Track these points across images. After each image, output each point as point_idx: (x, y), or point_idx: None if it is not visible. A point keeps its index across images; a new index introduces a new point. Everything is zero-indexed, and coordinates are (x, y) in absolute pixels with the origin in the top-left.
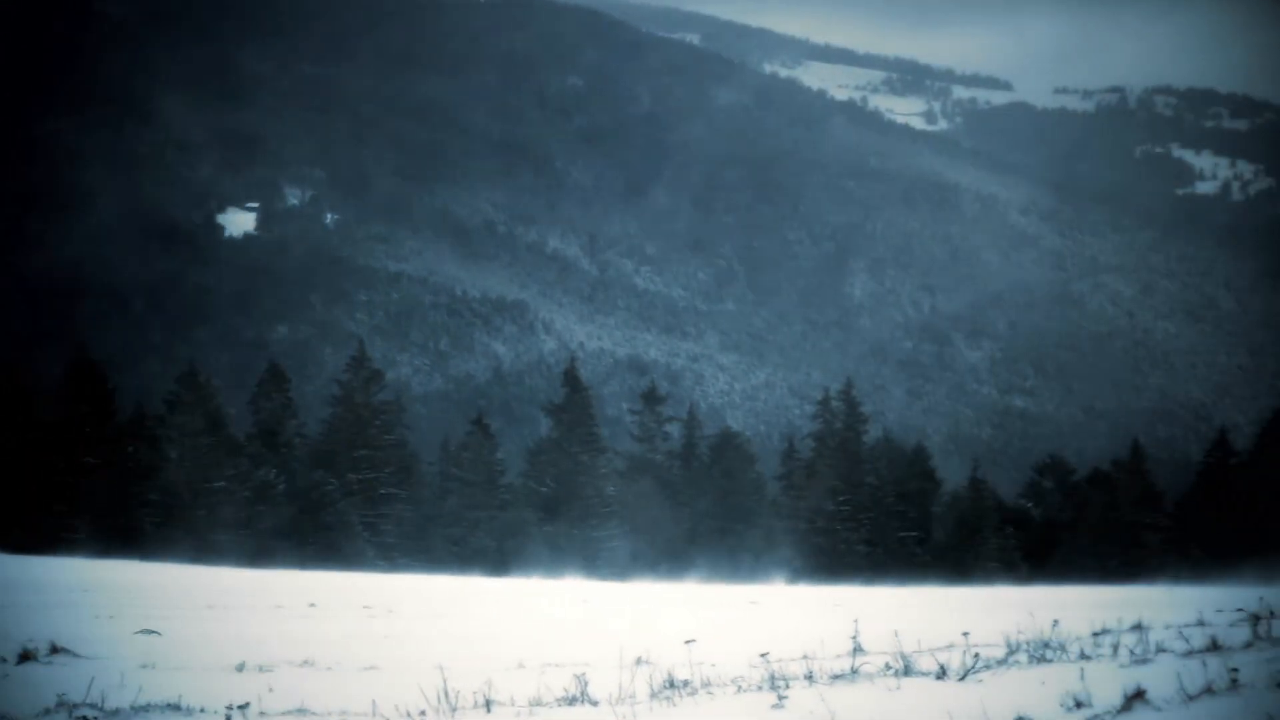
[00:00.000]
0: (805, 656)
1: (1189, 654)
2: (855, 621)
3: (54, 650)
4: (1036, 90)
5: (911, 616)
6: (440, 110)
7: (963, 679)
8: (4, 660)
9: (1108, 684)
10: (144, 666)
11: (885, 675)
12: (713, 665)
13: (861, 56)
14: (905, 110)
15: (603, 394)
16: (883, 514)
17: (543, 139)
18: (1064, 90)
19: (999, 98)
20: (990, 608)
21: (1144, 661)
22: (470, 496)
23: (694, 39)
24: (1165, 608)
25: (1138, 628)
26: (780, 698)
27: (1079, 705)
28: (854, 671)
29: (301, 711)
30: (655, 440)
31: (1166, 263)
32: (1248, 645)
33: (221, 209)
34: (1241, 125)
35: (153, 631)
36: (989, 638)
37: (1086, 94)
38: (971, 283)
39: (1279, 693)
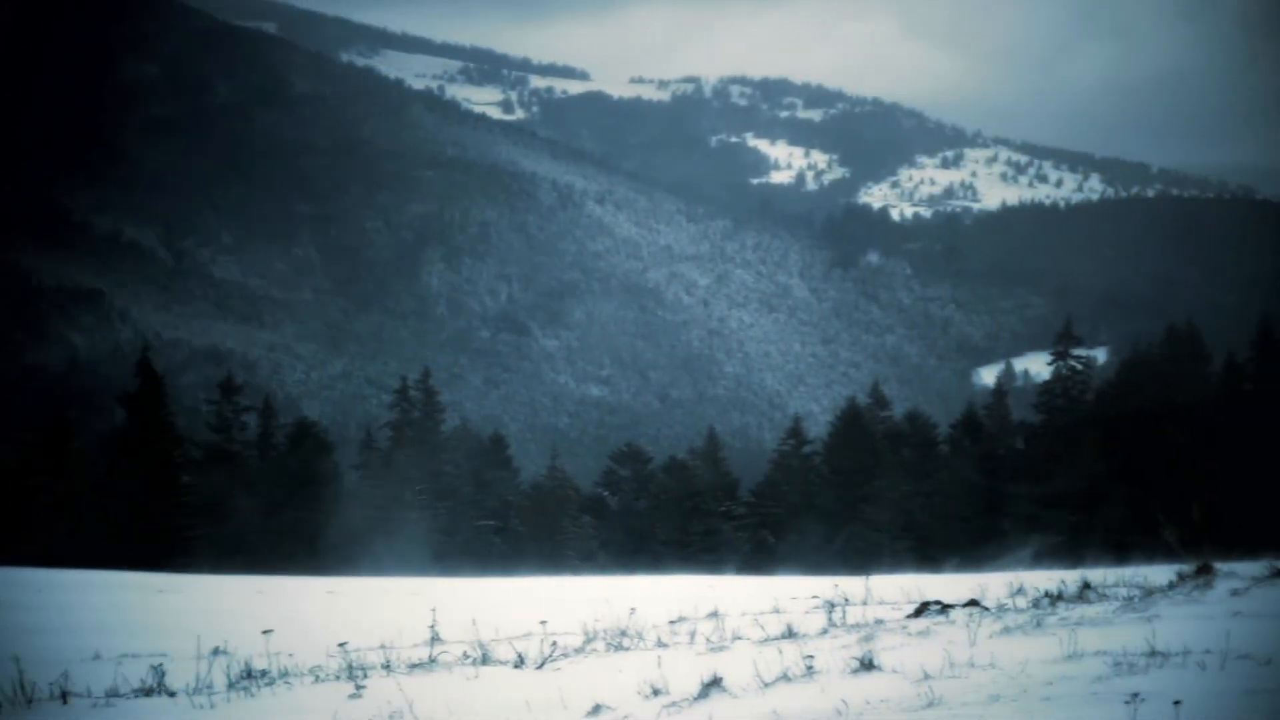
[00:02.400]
0: (383, 646)
1: (765, 641)
2: (433, 611)
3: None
4: (613, 80)
5: (490, 606)
6: (12, 97)
7: (540, 667)
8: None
9: (685, 672)
10: None
11: (463, 664)
12: (290, 655)
13: (439, 46)
14: (482, 100)
15: (179, 384)
16: (461, 503)
17: (118, 128)
18: (640, 80)
19: (575, 87)
20: (568, 597)
21: (721, 649)
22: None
23: (270, 28)
24: (742, 595)
25: (714, 615)
26: (358, 687)
27: (656, 693)
28: (432, 661)
29: None
30: (232, 430)
31: (741, 252)
32: (823, 632)
33: None
34: (815, 115)
35: None
36: (567, 626)
37: (662, 84)
38: (548, 272)
39: (854, 680)
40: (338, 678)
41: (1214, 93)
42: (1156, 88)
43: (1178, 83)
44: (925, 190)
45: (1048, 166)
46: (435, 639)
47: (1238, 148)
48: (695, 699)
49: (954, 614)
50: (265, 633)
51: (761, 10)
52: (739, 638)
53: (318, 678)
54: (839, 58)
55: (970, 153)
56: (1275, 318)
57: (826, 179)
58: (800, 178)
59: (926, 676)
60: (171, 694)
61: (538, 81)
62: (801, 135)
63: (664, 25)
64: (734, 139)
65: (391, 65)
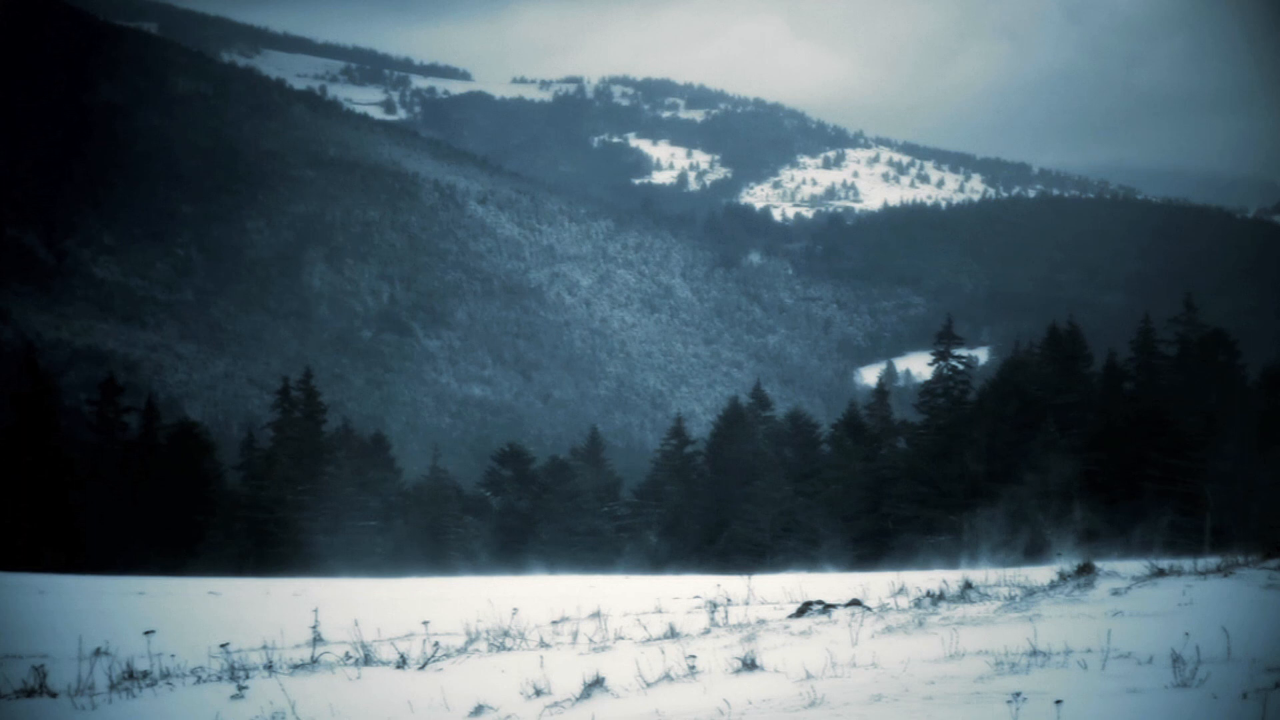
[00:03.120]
0: (266, 647)
1: (648, 641)
2: (315, 611)
3: None
4: (495, 80)
5: (372, 606)
6: None
7: (423, 668)
8: None
9: (568, 672)
10: None
11: (346, 665)
12: (172, 656)
13: (320, 46)
14: (364, 100)
15: (61, 384)
16: (342, 504)
17: None
18: (522, 80)
19: (457, 87)
20: (450, 597)
21: (604, 649)
22: None
23: (152, 27)
24: (625, 595)
25: (597, 615)
26: (240, 688)
27: (539, 693)
28: (314, 661)
29: None
30: (114, 431)
31: (623, 252)
32: (705, 632)
33: None
34: (697, 116)
35: None
36: (449, 627)
37: (544, 84)
38: (430, 272)
39: (736, 680)
40: (220, 678)
41: (1098, 94)
42: (1041, 89)
43: (1063, 84)
44: (807, 190)
45: (929, 167)
46: (317, 639)
47: (1119, 148)
48: (578, 699)
49: (836, 614)
50: (147, 634)
51: (649, 11)
52: (621, 638)
53: (200, 678)
54: (726, 59)
55: (852, 153)
56: (1156, 317)
57: (708, 179)
58: (682, 178)
59: (809, 676)
60: (53, 695)
61: (419, 82)
62: (683, 135)
63: (547, 26)
64: (616, 139)
65: (273, 65)
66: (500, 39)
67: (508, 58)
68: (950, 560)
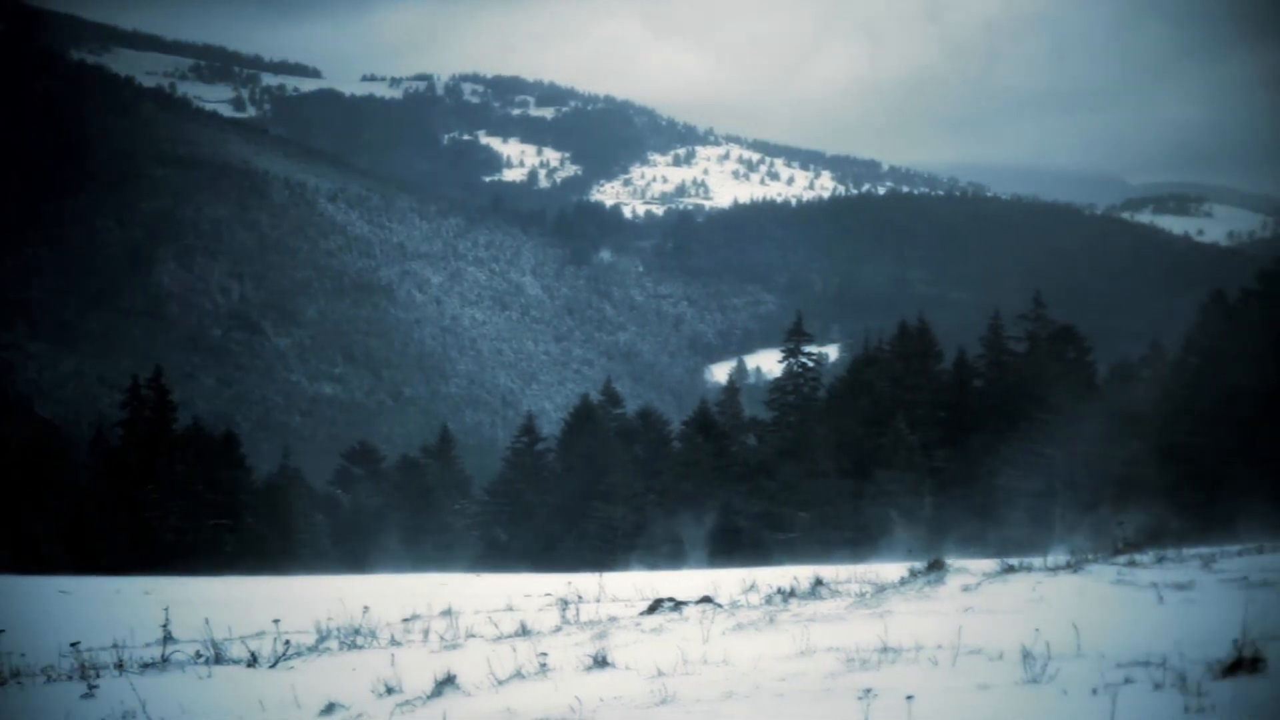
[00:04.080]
0: (116, 646)
1: (499, 639)
2: (166, 610)
3: None
4: (345, 78)
5: (223, 604)
6: None
7: (274, 666)
8: None
9: (419, 670)
10: None
11: (196, 664)
12: (22, 656)
13: (169, 43)
14: (214, 97)
15: None
16: (193, 502)
17: None
18: (372, 78)
19: (307, 85)
20: (301, 595)
21: (455, 647)
22: None
23: None
24: (476, 593)
25: (448, 613)
26: (91, 687)
27: (390, 691)
28: (165, 660)
29: None
30: None
31: (474, 250)
32: (557, 630)
33: None
34: (548, 113)
35: None
36: (300, 625)
37: (395, 81)
38: (280, 270)
39: (588, 677)
40: (70, 678)
41: (955, 92)
42: (898, 87)
43: (920, 82)
44: (657, 188)
45: (779, 164)
46: (168, 638)
47: (973, 146)
48: (429, 697)
49: (687, 611)
50: None
51: (508, 11)
52: (473, 635)
53: (49, 678)
54: (583, 58)
55: (702, 150)
56: (1005, 314)
57: (559, 176)
58: (532, 175)
59: (660, 673)
60: None
61: (269, 79)
62: (534, 133)
63: (401, 25)
64: (466, 137)
65: (122, 63)
66: (352, 37)
67: (360, 56)
68: (801, 557)
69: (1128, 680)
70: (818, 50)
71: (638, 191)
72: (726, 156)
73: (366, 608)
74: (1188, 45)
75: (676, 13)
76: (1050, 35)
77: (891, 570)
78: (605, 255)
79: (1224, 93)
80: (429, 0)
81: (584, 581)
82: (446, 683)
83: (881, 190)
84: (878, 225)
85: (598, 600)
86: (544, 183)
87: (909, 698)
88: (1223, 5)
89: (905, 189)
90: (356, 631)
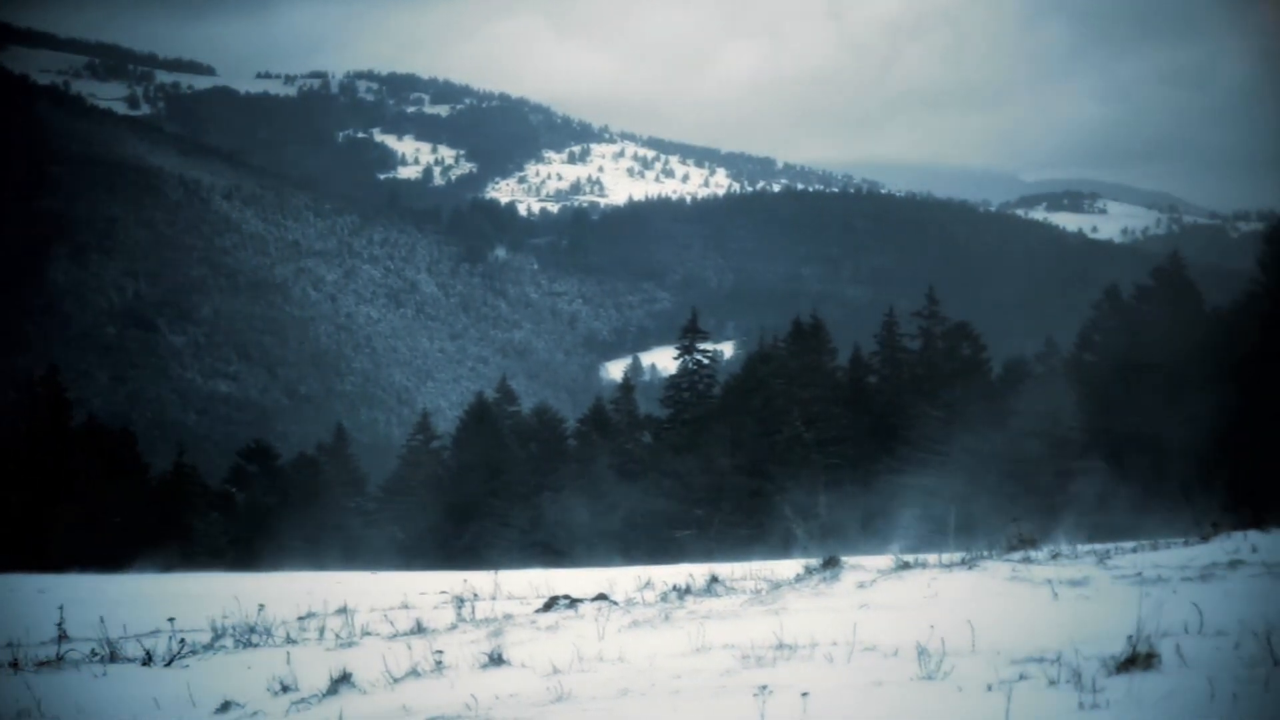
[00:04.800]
0: (10, 644)
1: (395, 637)
2: (60, 608)
3: None
4: (239, 75)
5: (118, 603)
6: None
7: (169, 665)
8: None
9: (315, 667)
10: None
11: (91, 662)
12: None
13: (63, 41)
14: (108, 95)
15: None
16: (89, 500)
17: None
18: (267, 75)
19: (201, 82)
20: (196, 593)
21: (350, 645)
22: None
23: None
24: (371, 591)
25: (343, 611)
26: None
27: (286, 689)
28: (59, 659)
29: None
30: None
31: (369, 247)
32: (452, 628)
33: None
34: (442, 110)
35: None
36: (196, 623)
37: (289, 79)
38: (175, 268)
39: (483, 675)
40: None
41: (855, 91)
42: (798, 86)
43: (820, 81)
44: (552, 185)
45: (674, 161)
46: (63, 637)
47: (871, 144)
48: (325, 695)
49: (583, 608)
50: None
51: (410, 9)
52: (368, 633)
53: None
54: (483, 56)
55: (597, 148)
56: (900, 310)
57: (454, 174)
58: (428, 173)
59: (555, 671)
60: None
61: (164, 77)
62: (429, 130)
63: (295, 22)
64: (361, 134)
65: (15, 61)
66: (247, 35)
67: (255, 53)
68: (697, 554)
69: (1022, 677)
70: (721, 49)
71: (533, 189)
72: (622, 154)
73: (262, 606)
74: (1088, 43)
75: (581, 12)
76: (951, 34)
77: (787, 567)
78: (500, 253)
79: (1122, 90)
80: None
81: (479, 579)
82: (342, 680)
83: (776, 188)
84: (772, 223)
85: (493, 598)
86: (439, 180)
87: (804, 694)
88: (1123, 3)
89: (800, 186)
90: (252, 629)
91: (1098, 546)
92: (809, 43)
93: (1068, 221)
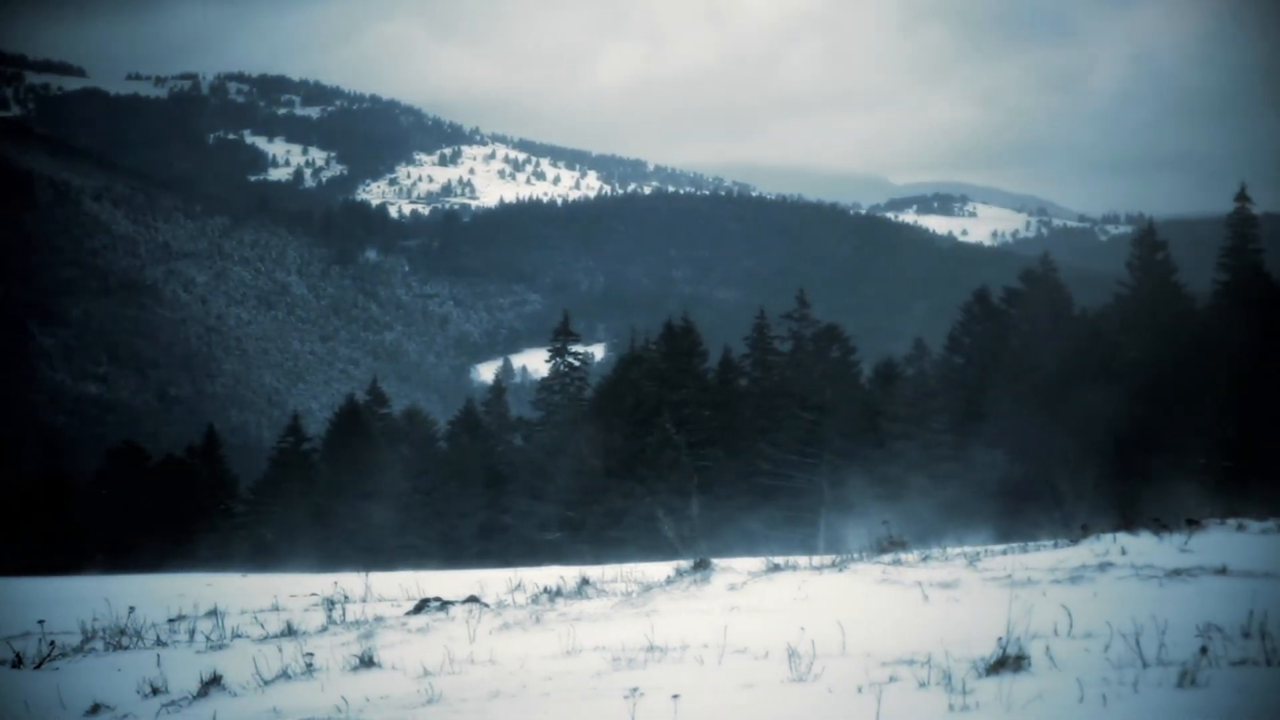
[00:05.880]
0: None
1: (265, 639)
2: None
3: None
4: (110, 77)
5: None
6: None
7: (39, 667)
8: None
9: (185, 670)
10: None
11: None
12: None
13: None
14: None
15: None
16: None
17: None
18: (137, 77)
19: (72, 84)
20: (66, 596)
21: (221, 647)
22: None
23: None
24: (242, 593)
25: (214, 614)
26: None
27: (156, 692)
28: None
29: None
30: None
31: (240, 249)
32: (323, 630)
33: None
34: (313, 112)
35: None
36: (66, 626)
37: (160, 80)
38: (45, 269)
39: (354, 677)
40: None
41: (732, 94)
42: (675, 89)
43: (697, 84)
44: (423, 187)
45: (545, 164)
46: None
47: (741, 147)
48: (195, 697)
49: (454, 610)
50: None
51: (291, 12)
52: (239, 636)
53: None
54: (360, 59)
55: (468, 150)
56: (770, 313)
57: (324, 176)
58: (299, 175)
59: (426, 673)
60: None
61: (33, 78)
62: (300, 132)
63: (170, 24)
64: (232, 136)
65: None
66: (118, 37)
67: (127, 55)
68: (569, 556)
69: (893, 679)
70: (602, 52)
71: (404, 191)
72: (493, 156)
73: (132, 608)
74: (965, 48)
75: (461, 16)
76: (830, 39)
77: (658, 569)
78: (371, 255)
79: (996, 94)
80: (208, 2)
81: (351, 581)
82: (213, 683)
83: (648, 190)
84: (643, 225)
85: (364, 600)
86: (310, 182)
87: (675, 697)
88: (1001, 8)
89: (671, 189)
90: (122, 632)
91: (968, 549)
92: (689, 46)
93: (938, 225)
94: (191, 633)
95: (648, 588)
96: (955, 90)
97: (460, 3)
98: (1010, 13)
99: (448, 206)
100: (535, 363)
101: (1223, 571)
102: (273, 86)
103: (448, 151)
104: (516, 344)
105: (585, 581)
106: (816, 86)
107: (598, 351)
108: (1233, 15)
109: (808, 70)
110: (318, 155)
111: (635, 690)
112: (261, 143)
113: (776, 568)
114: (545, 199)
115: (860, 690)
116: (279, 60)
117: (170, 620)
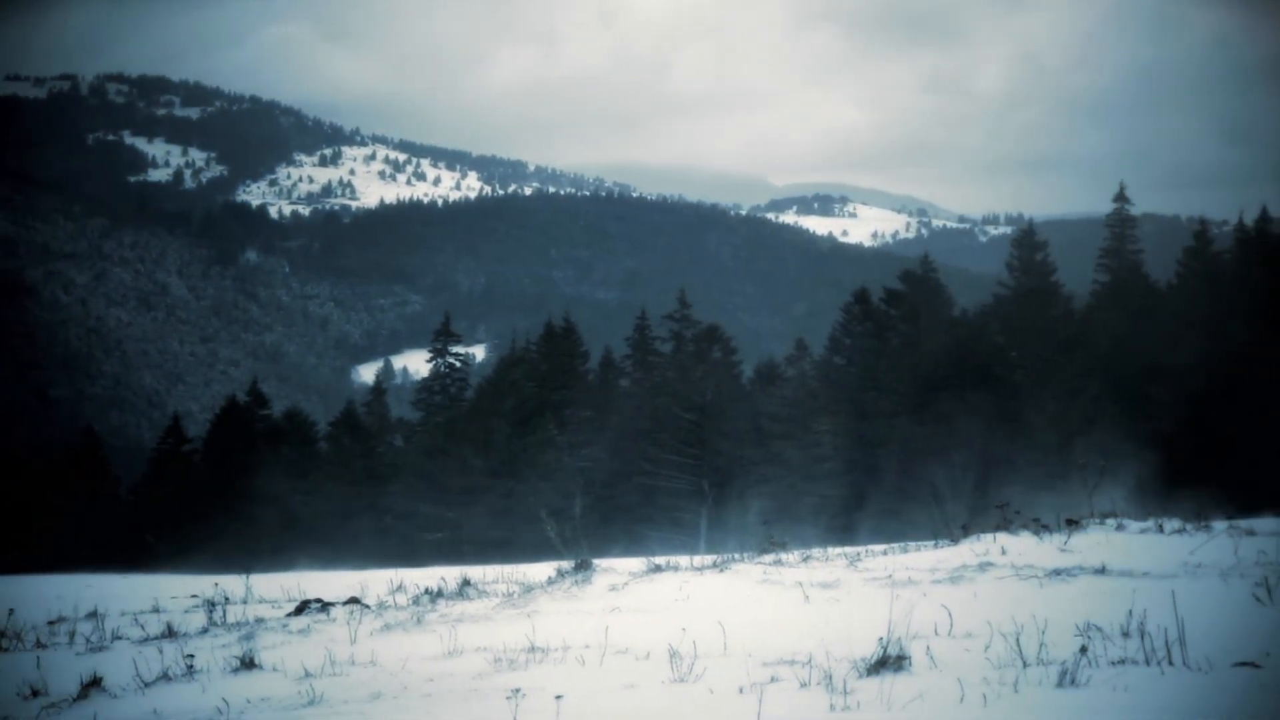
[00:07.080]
0: None
1: (146, 641)
2: None
3: None
4: None
5: None
6: None
7: None
8: None
9: (65, 672)
10: None
11: None
12: None
13: None
14: None
15: None
16: None
17: None
18: (16, 77)
19: None
20: None
21: (101, 649)
22: None
23: None
24: (122, 594)
25: (94, 615)
26: None
27: (36, 694)
28: None
29: None
30: None
31: (120, 250)
32: (204, 631)
33: None
34: (193, 113)
35: None
36: None
37: (38, 81)
38: None
39: (235, 679)
40: None
41: (620, 96)
42: (562, 91)
43: (586, 86)
44: (304, 188)
45: (426, 164)
46: None
47: (626, 148)
48: (75, 700)
49: (335, 612)
50: None
51: (178, 13)
52: (119, 638)
53: None
54: (246, 60)
55: (349, 151)
56: (652, 313)
57: (204, 177)
58: (178, 176)
59: (308, 675)
60: None
61: None
62: (179, 133)
63: (47, 24)
64: (111, 137)
65: None
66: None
67: (4, 55)
68: (451, 557)
69: (774, 679)
70: (493, 55)
71: (284, 192)
72: (373, 157)
73: (11, 610)
74: (854, 51)
75: (354, 18)
76: (719, 41)
77: (540, 570)
78: (252, 256)
79: (881, 96)
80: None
81: (231, 583)
82: (93, 685)
83: (528, 191)
84: (524, 226)
85: (245, 602)
86: (190, 183)
87: (558, 697)
88: (891, 11)
89: (551, 189)
90: (1, 634)
91: (849, 549)
92: (581, 49)
93: (818, 225)
94: (71, 634)
95: (529, 589)
96: (842, 92)
97: (355, 5)
98: (900, 15)
99: (328, 207)
100: (416, 363)
101: (1102, 571)
102: (153, 87)
103: (328, 152)
104: (397, 345)
105: (467, 582)
106: (704, 89)
107: (479, 352)
108: (1117, 18)
109: (696, 72)
110: (197, 156)
111: (517, 691)
112: (141, 143)
113: (658, 568)
114: (426, 200)
115: (742, 691)
116: (163, 62)
117: (50, 622)
